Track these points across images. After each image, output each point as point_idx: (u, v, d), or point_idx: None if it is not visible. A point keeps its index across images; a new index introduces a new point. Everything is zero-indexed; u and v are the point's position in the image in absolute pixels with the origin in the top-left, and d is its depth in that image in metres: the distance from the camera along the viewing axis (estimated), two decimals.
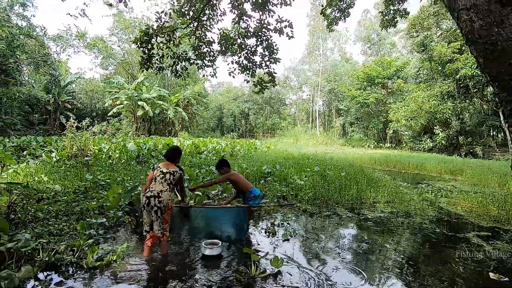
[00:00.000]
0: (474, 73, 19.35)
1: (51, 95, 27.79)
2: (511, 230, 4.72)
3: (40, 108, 28.51)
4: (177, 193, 3.85)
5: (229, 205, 4.50)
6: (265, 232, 4.41)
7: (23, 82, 27.81)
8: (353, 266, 3.35)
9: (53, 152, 10.10)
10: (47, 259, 2.96)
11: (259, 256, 3.36)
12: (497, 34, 1.82)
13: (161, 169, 3.54)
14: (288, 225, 4.77)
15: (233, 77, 7.63)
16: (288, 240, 4.10)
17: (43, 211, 4.53)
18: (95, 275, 2.90)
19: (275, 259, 3.13)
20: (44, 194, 5.44)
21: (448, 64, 21.52)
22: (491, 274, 3.18)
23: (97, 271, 2.96)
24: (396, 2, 7.85)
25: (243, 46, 7.26)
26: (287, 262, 3.36)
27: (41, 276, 2.82)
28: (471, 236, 4.46)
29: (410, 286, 2.96)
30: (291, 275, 3.09)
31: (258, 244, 3.96)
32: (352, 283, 2.98)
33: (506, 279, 3.08)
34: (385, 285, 2.97)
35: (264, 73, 7.34)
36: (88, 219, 4.17)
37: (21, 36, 21.25)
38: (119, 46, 36.80)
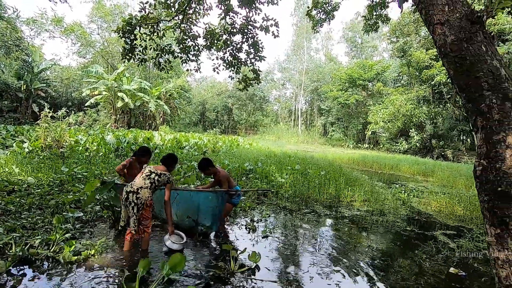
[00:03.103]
0: (448, 80, 20.34)
1: (22, 82, 26.24)
2: (474, 229, 5.08)
3: (10, 94, 26.84)
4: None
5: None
6: (245, 228, 4.49)
7: None
8: (329, 262, 3.50)
9: (25, 142, 9.65)
10: (20, 253, 2.87)
11: (238, 252, 3.43)
12: (466, 49, 1.98)
13: (150, 168, 3.51)
14: (267, 221, 4.88)
15: (218, 72, 7.61)
16: (267, 236, 4.20)
17: (15, 203, 4.36)
18: (72, 270, 2.85)
19: (253, 254, 3.21)
20: (16, 186, 5.23)
21: (424, 70, 22.49)
22: (451, 269, 3.44)
23: (74, 266, 2.91)
24: (378, 8, 8.11)
25: (228, 42, 7.25)
26: (266, 257, 3.46)
27: (14, 271, 2.73)
28: (439, 234, 4.77)
29: (382, 280, 3.15)
30: (269, 269, 3.19)
31: (238, 240, 4.03)
32: (328, 277, 3.12)
33: (464, 273, 3.36)
34: (359, 279, 3.13)
35: (249, 71, 7.37)
36: (64, 213, 4.06)
37: None
38: (99, 34, 35.35)
